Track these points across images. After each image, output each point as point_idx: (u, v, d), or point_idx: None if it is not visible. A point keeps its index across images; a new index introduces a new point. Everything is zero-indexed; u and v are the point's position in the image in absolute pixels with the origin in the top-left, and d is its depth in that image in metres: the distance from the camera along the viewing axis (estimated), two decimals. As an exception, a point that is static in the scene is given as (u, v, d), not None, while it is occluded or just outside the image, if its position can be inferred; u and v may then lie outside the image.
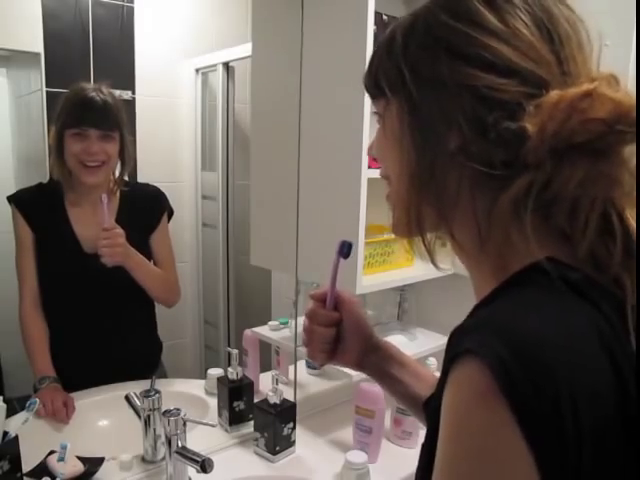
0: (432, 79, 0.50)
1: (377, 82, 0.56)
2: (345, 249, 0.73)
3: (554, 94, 0.45)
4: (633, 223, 0.45)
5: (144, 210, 1.35)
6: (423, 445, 0.54)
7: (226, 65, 1.56)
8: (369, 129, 1.17)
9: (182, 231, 1.54)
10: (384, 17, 1.24)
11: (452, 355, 0.42)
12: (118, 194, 1.30)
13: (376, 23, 1.17)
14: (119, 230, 1.21)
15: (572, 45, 0.49)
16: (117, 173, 1.28)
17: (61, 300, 1.27)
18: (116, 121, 1.24)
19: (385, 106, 0.56)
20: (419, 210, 0.54)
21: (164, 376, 1.45)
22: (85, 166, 1.20)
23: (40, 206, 1.23)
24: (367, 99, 1.15)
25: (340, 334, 0.77)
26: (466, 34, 0.48)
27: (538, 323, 0.41)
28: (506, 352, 0.39)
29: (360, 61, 1.15)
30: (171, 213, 1.40)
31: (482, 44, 0.48)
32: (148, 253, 1.33)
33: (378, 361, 0.78)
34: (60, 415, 1.18)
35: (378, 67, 0.56)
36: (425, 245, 0.56)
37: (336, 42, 1.22)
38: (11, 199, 1.21)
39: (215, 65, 1.56)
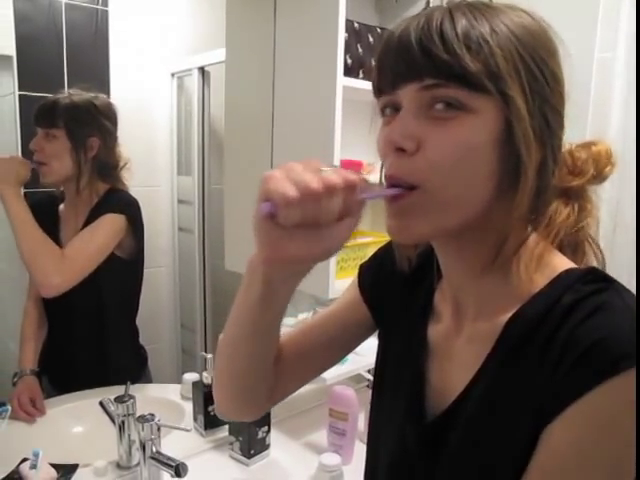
0: None
1: None
2: None
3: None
4: None
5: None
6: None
7: (202, 70, 1.56)
8: (340, 134, 1.18)
9: (158, 235, 1.53)
10: (355, 25, 1.25)
11: (616, 359, 0.44)
12: (92, 201, 1.27)
13: (347, 30, 1.19)
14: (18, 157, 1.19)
15: None
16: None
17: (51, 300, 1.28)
18: (56, 119, 1.19)
19: None
20: None
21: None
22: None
23: (45, 209, 1.23)
24: (339, 104, 1.17)
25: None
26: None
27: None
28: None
29: (331, 67, 1.16)
30: (126, 214, 1.28)
31: None
32: None
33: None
34: (26, 409, 1.18)
35: None
36: None
37: (308, 48, 1.23)
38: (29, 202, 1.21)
39: (190, 69, 1.55)
